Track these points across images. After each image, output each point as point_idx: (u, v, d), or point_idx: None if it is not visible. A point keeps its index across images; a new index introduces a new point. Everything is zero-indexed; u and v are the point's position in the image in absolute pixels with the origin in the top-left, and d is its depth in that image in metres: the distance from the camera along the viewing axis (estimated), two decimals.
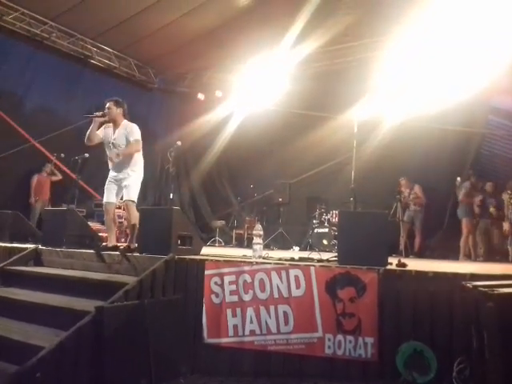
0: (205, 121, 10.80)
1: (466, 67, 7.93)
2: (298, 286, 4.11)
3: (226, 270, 4.39)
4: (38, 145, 8.94)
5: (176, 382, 4.05)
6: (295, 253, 7.24)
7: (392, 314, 3.86)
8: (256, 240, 4.90)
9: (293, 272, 4.15)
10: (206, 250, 5.62)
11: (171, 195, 6.39)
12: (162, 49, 10.31)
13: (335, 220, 8.53)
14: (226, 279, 4.35)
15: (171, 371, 4.10)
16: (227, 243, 9.80)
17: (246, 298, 4.26)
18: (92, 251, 5.21)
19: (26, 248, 5.61)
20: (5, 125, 8.60)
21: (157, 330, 4.02)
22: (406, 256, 7.72)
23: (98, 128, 5.40)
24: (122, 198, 5.45)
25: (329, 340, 3.93)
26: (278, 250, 7.87)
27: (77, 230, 5.69)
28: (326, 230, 8.44)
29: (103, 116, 5.31)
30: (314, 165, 9.94)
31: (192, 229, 5.57)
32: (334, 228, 8.22)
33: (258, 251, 4.80)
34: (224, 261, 4.54)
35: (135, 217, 5.33)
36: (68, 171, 7.79)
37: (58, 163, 7.31)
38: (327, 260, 4.61)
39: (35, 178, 8.91)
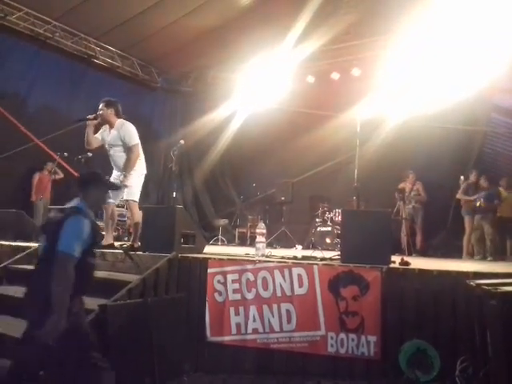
0: (208, 120, 10.80)
1: (468, 65, 7.91)
2: (300, 285, 4.12)
3: (229, 268, 4.41)
4: (41, 144, 8.96)
5: (179, 380, 4.06)
6: (298, 251, 7.25)
7: (395, 313, 3.87)
8: (259, 239, 4.91)
9: (296, 270, 4.17)
10: (209, 249, 5.64)
11: (174, 194, 6.40)
12: (165, 48, 10.33)
13: (338, 219, 8.52)
14: (229, 278, 4.37)
15: (175, 369, 4.11)
16: (230, 242, 9.81)
17: (249, 296, 4.28)
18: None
19: (30, 246, 5.62)
20: (8, 124, 8.62)
21: (160, 329, 4.03)
22: (409, 254, 7.70)
23: (96, 130, 5.40)
24: (123, 198, 5.45)
25: (332, 338, 3.95)
26: (280, 249, 7.87)
27: None
28: (329, 228, 8.44)
29: (95, 118, 5.28)
30: (316, 164, 9.93)
31: (195, 227, 5.60)
32: (337, 227, 8.22)
33: (260, 250, 4.81)
34: (227, 259, 4.56)
35: (138, 216, 5.35)
36: (71, 170, 7.81)
37: (61, 162, 7.32)
38: (330, 258, 4.62)
39: (37, 177, 8.92)
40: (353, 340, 3.89)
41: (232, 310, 4.31)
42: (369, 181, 7.16)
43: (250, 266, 4.35)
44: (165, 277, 4.56)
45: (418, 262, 4.76)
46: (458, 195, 8.10)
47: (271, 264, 4.32)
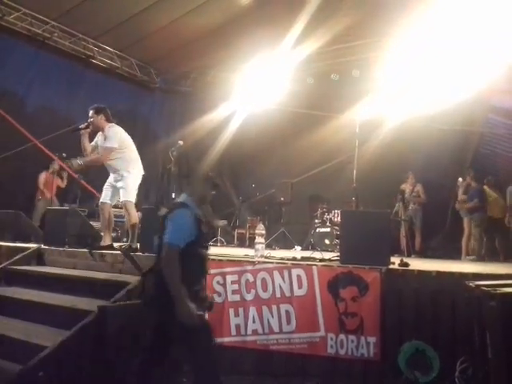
0: (207, 120, 10.79)
1: (467, 67, 7.93)
2: (300, 286, 4.12)
3: (228, 269, 4.41)
4: (39, 144, 8.94)
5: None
6: (297, 252, 7.25)
7: (394, 314, 3.87)
8: (258, 239, 4.90)
9: (295, 271, 4.16)
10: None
11: (173, 195, 6.38)
12: (164, 48, 10.31)
13: (337, 219, 8.52)
14: (229, 279, 4.37)
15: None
16: (229, 243, 9.79)
17: (249, 297, 4.27)
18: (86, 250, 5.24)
19: (29, 247, 5.62)
20: (7, 125, 8.61)
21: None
22: (408, 255, 7.71)
23: (91, 138, 5.43)
24: (120, 199, 5.45)
25: (331, 339, 3.95)
26: (279, 250, 7.86)
27: (79, 229, 5.71)
28: (328, 229, 8.44)
29: (88, 127, 5.33)
30: (315, 164, 9.93)
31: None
32: (336, 227, 8.22)
33: (260, 251, 4.80)
34: (226, 260, 4.56)
35: (135, 217, 5.36)
36: (70, 171, 7.79)
37: (60, 163, 7.30)
38: (329, 259, 4.62)
39: (43, 176, 8.86)
40: (352, 341, 3.89)
41: (231, 311, 4.30)
42: (367, 181, 7.19)
43: (249, 267, 4.35)
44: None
45: (417, 263, 4.77)
46: (460, 197, 8.12)
47: (270, 265, 4.32)
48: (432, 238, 8.73)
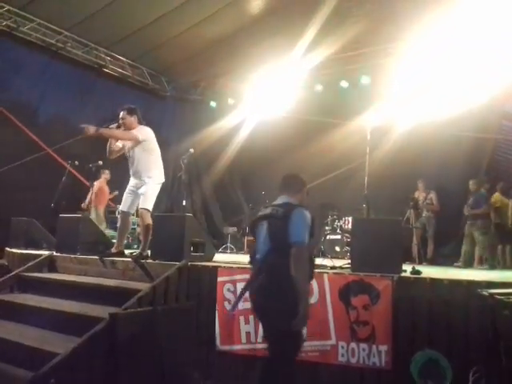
0: (217, 128, 10.86)
1: (479, 73, 7.88)
2: (311, 293, 4.09)
3: (238, 276, 4.39)
4: (52, 153, 9.05)
5: None
6: None
7: (406, 322, 3.82)
8: None
9: None
10: (218, 257, 5.64)
11: (184, 202, 6.41)
12: (175, 58, 10.43)
13: (348, 226, 8.47)
14: (239, 286, 4.35)
15: (184, 378, 4.10)
16: (239, 250, 9.80)
17: None
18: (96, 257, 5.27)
19: (41, 255, 5.68)
20: (20, 133, 8.75)
21: (170, 337, 4.03)
22: (420, 263, 7.64)
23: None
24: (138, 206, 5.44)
25: (342, 348, 3.91)
26: None
27: (91, 236, 5.75)
28: (339, 236, 8.38)
29: (119, 127, 5.27)
30: (325, 171, 9.91)
31: (204, 235, 5.60)
32: (347, 235, 8.17)
33: None
34: (237, 267, 4.55)
35: (150, 226, 5.34)
36: (82, 179, 7.88)
37: (72, 171, 7.39)
38: (340, 267, 4.59)
39: (97, 184, 8.66)
40: (364, 350, 3.85)
41: (242, 318, 4.29)
42: (379, 188, 7.14)
43: None
44: (175, 285, 4.56)
45: (429, 271, 4.72)
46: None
47: None
48: (444, 246, 8.64)
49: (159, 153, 5.43)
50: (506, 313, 2.77)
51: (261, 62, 9.31)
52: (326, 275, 4.10)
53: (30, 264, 5.43)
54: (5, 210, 7.41)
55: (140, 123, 5.39)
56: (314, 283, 4.06)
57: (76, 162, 7.36)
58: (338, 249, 8.12)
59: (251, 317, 4.25)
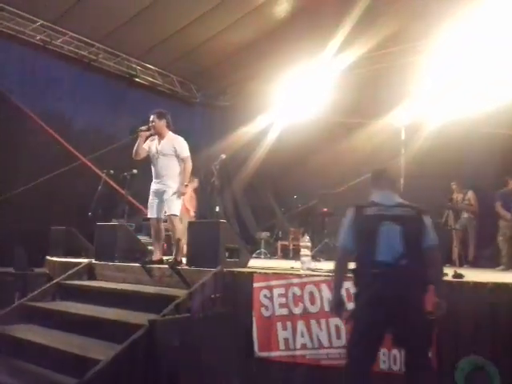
0: (245, 132, 10.88)
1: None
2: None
3: (274, 282, 4.37)
4: (87, 162, 9.28)
5: None
6: None
7: (450, 327, 3.71)
8: (304, 252, 4.86)
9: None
10: (253, 262, 5.62)
11: (217, 208, 6.43)
12: (203, 64, 10.52)
13: None
14: (275, 292, 4.33)
15: None
16: (272, 255, 9.77)
17: (296, 311, 4.22)
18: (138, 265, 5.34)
19: (80, 263, 5.80)
20: (56, 144, 9.00)
21: (208, 344, 4.04)
22: (460, 266, 7.42)
23: (145, 142, 5.53)
24: (165, 213, 5.48)
25: (383, 355, 3.81)
26: (324, 262, 7.75)
27: (127, 244, 5.84)
28: None
29: (148, 130, 5.44)
30: (358, 173, 9.76)
31: (239, 241, 5.59)
32: None
33: (306, 263, 4.76)
34: (272, 273, 4.52)
35: (179, 230, 5.41)
36: (117, 187, 8.02)
37: (107, 179, 7.54)
38: None
39: (188, 193, 8.55)
40: None
41: (279, 324, 4.26)
42: (414, 189, 6.98)
43: (296, 280, 4.30)
44: (211, 291, 4.57)
45: (471, 274, 4.57)
46: None
47: (318, 278, 4.25)
48: (485, 248, 8.35)
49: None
50: None
51: (288, 65, 9.28)
52: None
53: (70, 272, 5.56)
54: (44, 219, 7.62)
55: (169, 128, 5.49)
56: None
57: (111, 171, 7.50)
58: None
59: (288, 323, 4.22)
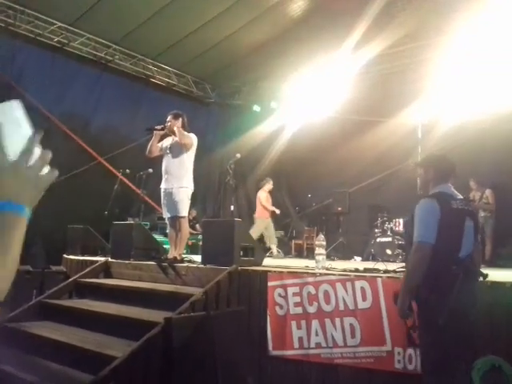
0: (260, 132, 10.89)
1: None
2: (364, 298, 4.00)
3: (289, 281, 4.37)
4: (104, 162, 9.40)
5: None
6: (358, 263, 7.08)
7: (467, 327, 3.65)
8: (319, 250, 4.84)
9: (358, 284, 4.05)
10: (267, 261, 5.63)
11: (232, 207, 6.46)
12: (218, 64, 10.58)
13: (399, 229, 8.25)
14: (290, 291, 4.32)
15: (238, 383, 4.11)
16: (286, 254, 9.75)
17: (311, 310, 4.20)
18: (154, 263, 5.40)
19: (97, 261, 5.88)
20: (74, 144, 9.14)
21: (223, 342, 4.05)
22: None
23: (159, 141, 5.62)
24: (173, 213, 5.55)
25: (398, 354, 3.78)
26: (339, 261, 7.72)
27: (143, 242, 5.90)
28: (390, 239, 8.17)
29: (163, 129, 5.52)
30: (373, 172, 9.71)
31: (253, 240, 5.61)
32: (398, 237, 7.96)
33: (321, 262, 4.74)
34: (287, 272, 4.52)
35: (185, 231, 5.50)
36: (133, 186, 8.11)
37: (123, 179, 7.63)
38: (394, 271, 4.46)
39: (264, 194, 8.99)
40: None
41: (294, 323, 4.26)
42: None
43: (310, 279, 4.29)
44: (226, 290, 4.59)
45: (488, 273, 4.50)
46: None
47: (332, 277, 4.23)
48: (503, 247, 8.22)
49: (192, 161, 5.58)
50: None
51: (303, 64, 9.28)
52: (379, 279, 3.99)
53: (86, 270, 5.64)
54: (61, 218, 7.74)
55: (184, 128, 5.53)
56: (368, 288, 3.99)
57: (127, 171, 7.59)
58: (389, 251, 7.93)
59: (303, 322, 4.22)
